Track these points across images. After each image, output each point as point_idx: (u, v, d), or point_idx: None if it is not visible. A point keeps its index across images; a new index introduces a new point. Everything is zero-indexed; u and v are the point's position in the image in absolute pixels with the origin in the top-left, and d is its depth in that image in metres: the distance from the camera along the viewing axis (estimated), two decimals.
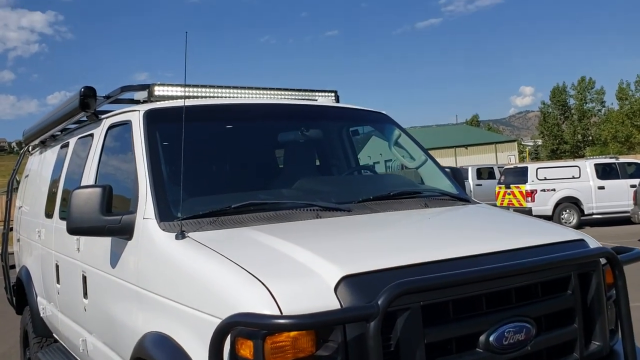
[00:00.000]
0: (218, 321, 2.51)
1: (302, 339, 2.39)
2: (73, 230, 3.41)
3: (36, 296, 6.06)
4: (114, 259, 3.64)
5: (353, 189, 4.06)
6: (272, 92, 4.67)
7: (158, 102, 4.25)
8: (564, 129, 78.41)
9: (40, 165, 6.53)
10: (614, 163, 20.80)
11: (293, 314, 2.30)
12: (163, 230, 3.18)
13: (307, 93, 4.88)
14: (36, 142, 6.86)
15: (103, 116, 4.60)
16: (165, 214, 3.27)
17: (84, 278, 4.23)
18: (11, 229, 7.60)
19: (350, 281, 2.48)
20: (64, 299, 4.94)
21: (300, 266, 2.60)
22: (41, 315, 5.88)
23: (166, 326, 2.96)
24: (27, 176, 7.37)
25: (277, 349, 2.36)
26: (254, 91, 4.59)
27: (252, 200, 3.41)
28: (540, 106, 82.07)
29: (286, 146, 4.49)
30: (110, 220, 3.38)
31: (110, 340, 3.76)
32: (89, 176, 4.41)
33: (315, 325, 2.29)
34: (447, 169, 4.44)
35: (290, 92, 4.77)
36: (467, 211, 3.87)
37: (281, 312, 2.36)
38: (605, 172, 20.35)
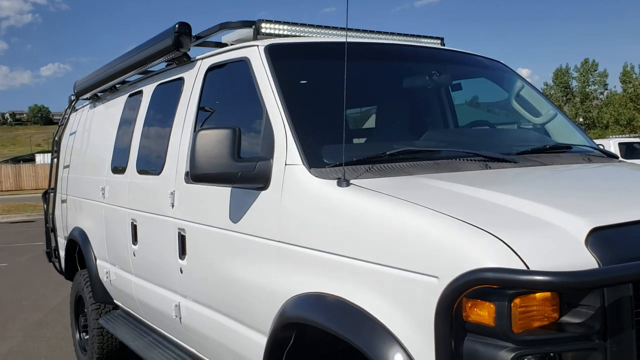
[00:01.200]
0: (426, 279, 2.12)
1: (546, 302, 1.97)
2: (199, 177, 2.96)
3: (95, 259, 5.63)
4: (237, 213, 3.19)
5: (498, 141, 3.62)
6: (383, 35, 4.20)
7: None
8: (566, 111, 78.02)
9: (98, 120, 6.03)
10: (638, 142, 20.51)
11: (552, 271, 1.87)
12: (317, 177, 2.73)
13: (415, 38, 4.43)
14: (87, 95, 6.36)
15: (197, 57, 4.11)
16: (314, 160, 2.82)
17: (181, 237, 3.79)
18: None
19: (600, 235, 2.05)
20: (143, 262, 4.50)
21: (526, 217, 2.16)
22: (103, 280, 5.46)
23: (331, 286, 2.52)
24: (73, 133, 6.87)
25: (524, 312, 1.94)
26: (366, 34, 4.13)
27: (408, 147, 2.96)
28: (543, 87, 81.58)
29: (416, 91, 4.03)
30: (244, 166, 2.93)
31: (226, 305, 3.34)
32: (184, 123, 3.93)
33: (595, 284, 1.86)
34: None
35: (399, 37, 4.31)
36: (620, 169, 3.44)
37: (528, 269, 1.93)
38: (629, 151, 20.04)
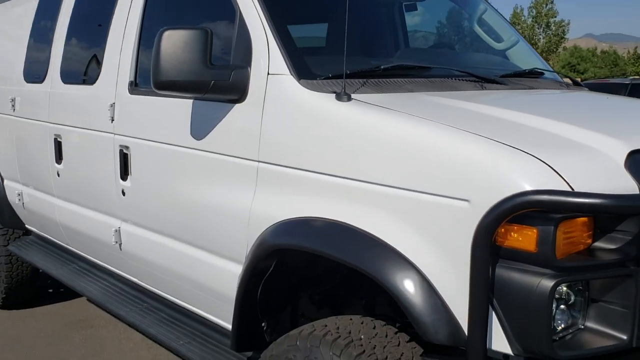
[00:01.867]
0: (453, 202, 1.95)
1: (584, 228, 1.86)
2: (164, 84, 2.57)
3: (2, 180, 5.02)
4: (202, 129, 2.84)
5: (473, 63, 3.46)
6: None
7: None
8: None
9: (2, 19, 5.24)
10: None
11: (606, 193, 1.75)
12: (310, 90, 2.44)
13: None
14: None
15: None
16: (303, 70, 2.52)
17: (124, 155, 3.38)
18: None
19: (638, 158, 1.95)
20: (70, 183, 4.02)
21: (561, 139, 2.03)
22: (13, 203, 4.89)
23: (329, 210, 2.30)
24: None
25: (567, 238, 1.82)
26: None
27: (403, 62, 2.74)
28: None
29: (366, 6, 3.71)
30: (217, 74, 2.57)
31: (187, 232, 3.02)
32: (127, 25, 3.43)
33: None
34: None
35: None
36: (609, 96, 3.42)
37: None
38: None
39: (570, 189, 1.79)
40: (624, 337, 1.86)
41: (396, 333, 2.33)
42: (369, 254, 2.12)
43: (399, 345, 2.27)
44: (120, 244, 3.55)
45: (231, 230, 2.72)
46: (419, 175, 2.05)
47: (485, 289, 1.79)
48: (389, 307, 2.84)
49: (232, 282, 2.76)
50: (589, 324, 1.90)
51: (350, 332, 2.30)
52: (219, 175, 2.79)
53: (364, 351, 2.19)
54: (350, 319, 2.42)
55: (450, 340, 1.95)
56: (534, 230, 1.79)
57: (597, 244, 1.89)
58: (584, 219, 1.84)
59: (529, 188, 1.77)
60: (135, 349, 4.62)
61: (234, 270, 2.74)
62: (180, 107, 2.94)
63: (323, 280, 2.89)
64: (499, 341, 1.87)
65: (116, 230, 3.55)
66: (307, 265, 2.69)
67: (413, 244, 2.05)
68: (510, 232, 1.82)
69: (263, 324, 2.78)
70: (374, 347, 2.22)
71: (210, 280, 2.91)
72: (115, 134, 3.45)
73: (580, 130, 2.06)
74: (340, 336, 2.27)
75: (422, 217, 2.03)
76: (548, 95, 2.96)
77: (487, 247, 1.79)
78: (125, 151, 3.37)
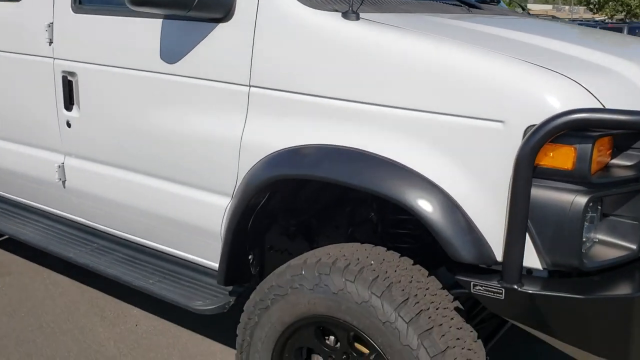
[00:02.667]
0: (486, 124, 1.96)
1: (608, 145, 1.94)
2: (143, 1, 2.32)
3: None
4: (175, 51, 2.61)
5: None
6: None
7: None
8: None
9: None
10: None
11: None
12: (310, 7, 2.30)
13: None
14: None
15: None
16: None
17: (68, 82, 3.05)
18: None
19: None
20: None
21: (581, 61, 2.07)
22: None
23: (339, 136, 2.22)
24: None
25: (599, 155, 1.89)
26: None
27: None
28: None
29: None
30: None
31: (157, 165, 2.81)
32: None
33: None
34: None
35: None
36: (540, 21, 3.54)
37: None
38: None
39: (603, 108, 1.85)
40: (634, 247, 1.99)
41: (400, 257, 2.35)
42: (394, 179, 2.09)
43: (407, 268, 2.29)
44: (63, 181, 3.25)
45: (217, 162, 2.56)
46: (444, 97, 2.02)
47: (526, 208, 1.83)
48: (374, 234, 2.86)
49: (217, 217, 2.63)
50: (602, 237, 2.01)
51: (359, 259, 2.29)
52: (199, 102, 2.60)
53: (378, 276, 2.19)
54: (353, 247, 2.40)
55: (481, 259, 1.99)
56: (573, 149, 1.84)
57: (615, 161, 1.98)
58: (609, 137, 1.91)
59: (567, 107, 1.81)
60: (65, 294, 4.32)
61: (220, 204, 2.61)
62: (146, 28, 2.68)
63: (299, 212, 2.84)
64: (528, 257, 1.93)
65: (59, 166, 3.24)
66: (288, 197, 2.62)
67: (438, 168, 2.04)
68: (548, 151, 1.86)
69: (250, 257, 2.70)
70: (386, 272, 2.23)
71: (189, 216, 2.75)
72: (55, 58, 3.09)
73: (596, 53, 2.12)
74: (350, 263, 2.25)
75: (448, 140, 2.02)
76: (529, 20, 3.01)
77: (532, 167, 1.81)
78: (70, 78, 3.05)
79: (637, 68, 2.07)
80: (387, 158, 2.11)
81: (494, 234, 1.98)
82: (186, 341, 3.58)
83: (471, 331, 2.21)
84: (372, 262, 2.28)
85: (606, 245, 2.01)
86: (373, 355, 2.25)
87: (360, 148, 2.17)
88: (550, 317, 1.92)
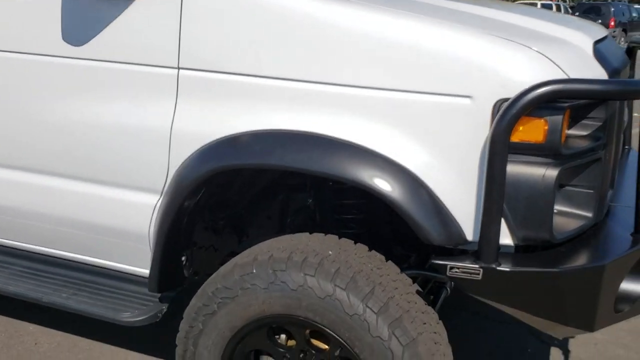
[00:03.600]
0: (451, 100, 1.87)
1: (567, 116, 1.93)
2: None
3: None
4: (83, 31, 2.27)
5: None
6: None
7: None
8: None
9: None
10: None
11: (609, 79, 1.82)
12: None
13: None
14: None
15: None
16: None
17: None
18: None
19: (597, 49, 2.07)
20: None
21: (536, 33, 2.04)
22: None
23: (284, 120, 2.04)
24: None
25: (566, 126, 1.87)
26: None
27: None
28: None
29: None
30: None
31: (58, 162, 2.45)
32: None
33: (636, 94, 1.83)
34: None
35: None
36: None
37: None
38: None
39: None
40: (590, 215, 2.02)
41: (355, 243, 2.24)
42: (360, 164, 1.95)
43: (365, 256, 2.18)
44: None
45: (143, 156, 2.28)
46: (404, 73, 1.91)
47: (502, 186, 1.77)
48: (312, 222, 2.71)
49: (144, 218, 2.36)
50: (560, 208, 2.02)
51: (315, 250, 2.14)
52: (118, 88, 2.28)
53: (340, 267, 2.06)
54: (304, 237, 2.25)
55: (452, 241, 1.92)
56: (543, 121, 1.80)
57: (571, 131, 1.99)
58: (569, 108, 1.90)
59: (536, 79, 1.77)
60: None
61: (147, 203, 2.34)
62: (39, 6, 2.31)
63: (228, 204, 2.63)
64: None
65: None
66: (218, 189, 2.41)
67: (401, 148, 1.93)
68: (518, 125, 1.81)
69: (183, 258, 2.45)
70: (347, 261, 2.10)
71: (109, 218, 2.43)
72: None
73: (548, 25, 2.11)
74: (307, 256, 2.10)
75: (411, 119, 1.92)
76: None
77: (507, 143, 1.75)
78: None
79: (585, 37, 2.08)
80: (348, 141, 1.97)
81: (463, 214, 1.91)
82: (99, 355, 3.24)
83: (433, 313, 2.15)
84: (330, 252, 2.14)
85: (566, 215, 2.02)
86: (338, 351, 2.12)
87: (315, 131, 2.01)
88: (527, 294, 1.89)
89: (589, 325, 1.96)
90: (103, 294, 2.55)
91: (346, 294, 2.01)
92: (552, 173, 1.82)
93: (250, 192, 2.63)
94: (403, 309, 2.02)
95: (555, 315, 1.93)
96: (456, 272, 1.87)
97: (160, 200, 2.30)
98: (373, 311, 1.99)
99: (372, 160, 1.94)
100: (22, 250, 2.78)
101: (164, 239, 2.28)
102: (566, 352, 3.40)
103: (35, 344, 3.34)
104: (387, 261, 2.18)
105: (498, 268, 1.83)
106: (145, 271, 2.47)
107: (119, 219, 2.41)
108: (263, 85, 2.08)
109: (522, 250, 2.00)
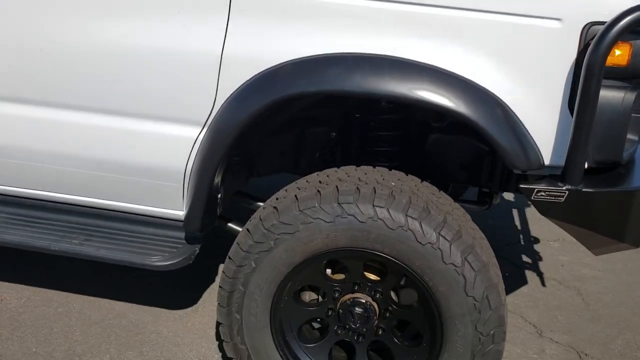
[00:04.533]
0: (539, 22, 1.88)
1: None
2: None
3: None
4: None
5: None
6: None
7: None
8: None
9: None
10: None
11: None
12: None
13: None
14: None
15: None
16: None
17: None
18: None
19: None
20: None
21: None
22: None
23: (362, 43, 1.93)
24: None
25: None
26: None
27: None
28: None
29: None
30: None
31: (82, 93, 2.18)
32: None
33: None
34: None
35: None
36: None
37: None
38: None
39: None
40: (637, 139, 2.12)
41: (407, 175, 2.21)
42: (441, 88, 1.90)
43: (424, 186, 2.17)
44: None
45: (185, 83, 2.08)
46: None
47: (594, 109, 1.81)
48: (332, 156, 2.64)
49: (182, 153, 2.18)
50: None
51: (379, 182, 2.09)
52: (150, 4, 2.04)
53: (410, 197, 2.02)
54: (352, 170, 2.19)
55: (532, 165, 1.95)
56: (629, 45, 1.84)
57: None
58: None
59: (625, 4, 1.79)
60: None
61: (187, 136, 2.16)
62: None
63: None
64: None
65: None
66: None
67: (487, 72, 1.91)
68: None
69: (219, 195, 2.30)
70: (414, 191, 2.07)
71: (138, 155, 2.22)
72: None
73: None
74: (375, 187, 2.04)
75: (497, 41, 1.90)
76: None
77: (603, 67, 1.78)
78: None
79: None
80: (430, 65, 1.91)
81: (543, 137, 1.94)
82: (81, 307, 3.01)
83: (486, 240, 2.20)
84: (393, 183, 2.10)
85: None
86: (403, 280, 2.12)
87: (393, 55, 1.92)
88: (598, 213, 1.98)
89: (638, 240, 2.09)
90: (121, 239, 2.34)
91: (419, 224, 1.99)
92: (630, 96, 1.89)
93: (267, 127, 2.50)
94: (472, 236, 2.04)
95: (616, 233, 2.04)
96: (542, 195, 1.91)
97: (203, 134, 2.13)
98: (447, 239, 1.99)
99: (457, 85, 1.90)
100: (22, 197, 2.46)
101: (208, 176, 2.12)
102: (540, 274, 3.64)
103: (1, 300, 3.04)
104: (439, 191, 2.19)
105: (583, 190, 1.89)
106: (175, 212, 2.30)
107: (149, 155, 2.21)
108: (330, 3, 1.95)
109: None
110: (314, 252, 2.09)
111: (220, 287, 2.22)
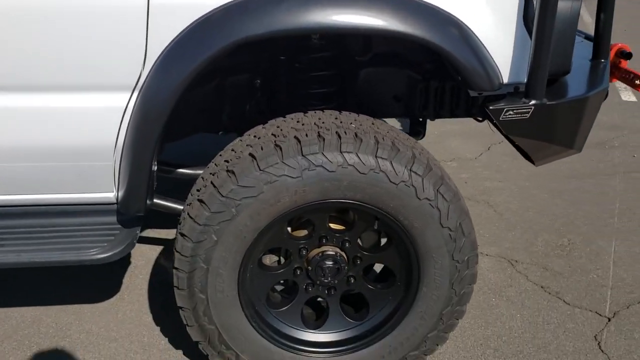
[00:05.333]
0: None
1: None
2: None
3: None
4: None
5: None
6: None
7: None
8: None
9: None
10: None
11: None
12: None
13: None
14: None
15: None
16: None
17: None
18: None
19: None
20: None
21: None
22: None
23: None
24: None
25: None
26: None
27: None
28: None
29: None
30: None
31: None
32: None
33: None
34: None
35: None
36: None
37: None
38: None
39: None
40: None
41: (358, 114, 2.10)
42: (403, 15, 1.77)
43: (376, 123, 2.06)
44: None
45: (104, 43, 1.74)
46: None
47: (553, 22, 1.78)
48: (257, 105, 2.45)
49: (109, 125, 1.87)
50: None
51: (338, 126, 1.95)
52: None
53: (376, 137, 1.91)
54: (301, 117, 2.03)
55: (493, 85, 1.92)
56: None
57: None
58: None
59: None
60: None
61: (113, 106, 1.85)
62: None
63: None
64: (522, 73, 1.94)
65: None
66: None
67: None
68: None
69: (154, 168, 2.02)
70: (376, 131, 1.96)
71: (57, 136, 1.86)
72: None
73: None
74: (338, 132, 1.90)
75: None
76: None
77: None
78: None
79: None
80: None
81: (503, 56, 1.91)
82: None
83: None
84: (353, 124, 1.97)
85: None
86: (376, 223, 2.03)
87: None
88: (557, 124, 2.00)
89: (581, 145, 2.17)
90: (44, 238, 2.00)
91: (390, 164, 1.89)
92: (577, 5, 1.90)
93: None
94: (438, 166, 1.99)
95: (568, 141, 2.09)
96: (510, 114, 1.89)
97: (134, 101, 1.82)
98: (418, 174, 1.92)
99: (418, 10, 1.78)
100: None
101: (148, 148, 1.84)
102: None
103: None
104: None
105: (547, 103, 1.89)
106: (105, 195, 2.00)
107: (69, 134, 1.86)
108: None
109: None
110: (280, 212, 1.92)
111: (176, 268, 1.98)
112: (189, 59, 1.75)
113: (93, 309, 2.69)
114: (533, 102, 1.90)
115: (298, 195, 1.89)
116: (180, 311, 2.06)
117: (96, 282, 2.85)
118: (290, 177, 1.86)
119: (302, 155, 1.86)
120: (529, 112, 1.90)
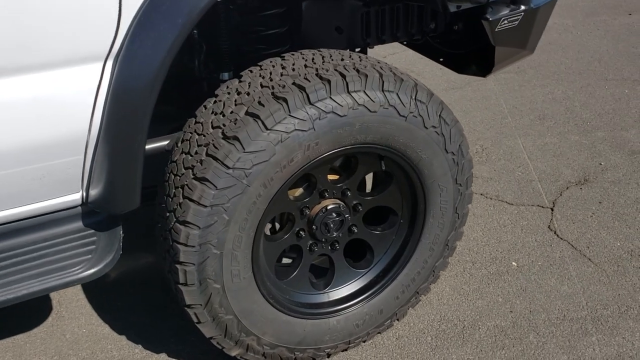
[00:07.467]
0: None
1: None
2: None
3: None
4: None
5: None
6: None
7: None
8: None
9: None
10: None
11: None
12: None
13: None
14: None
15: None
16: None
17: None
18: None
19: None
20: None
21: None
22: None
23: None
24: None
25: None
26: None
27: None
28: None
29: None
30: None
31: None
32: None
33: None
34: None
35: None
36: None
37: None
38: None
39: None
40: None
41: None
42: None
43: (360, 55, 1.90)
44: None
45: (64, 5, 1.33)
46: None
47: None
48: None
49: (77, 110, 1.49)
50: None
51: (337, 64, 1.76)
52: None
53: (376, 70, 1.76)
54: (290, 59, 1.80)
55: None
56: None
57: None
58: None
59: None
60: None
61: (82, 87, 1.45)
62: None
63: None
64: None
65: None
66: None
67: None
68: None
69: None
70: (372, 64, 1.81)
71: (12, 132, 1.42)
72: None
73: None
74: (338, 72, 1.71)
75: None
76: None
77: None
78: None
79: None
80: None
81: None
82: None
83: None
84: (346, 61, 1.79)
85: None
86: (382, 163, 1.90)
87: None
88: (531, 28, 2.00)
89: (534, 46, 2.22)
90: (16, 262, 1.57)
91: (397, 96, 1.76)
92: None
93: None
94: (431, 90, 1.90)
95: (532, 44, 2.12)
96: (505, 24, 1.84)
97: (109, 74, 1.45)
98: (423, 102, 1.82)
99: None
100: None
101: (139, 129, 1.50)
102: None
103: None
104: None
105: (535, 7, 1.88)
106: (72, 197, 1.62)
107: (21, 130, 1.43)
108: None
109: None
110: (293, 172, 1.71)
111: (182, 263, 1.69)
112: (175, 20, 1.42)
113: (29, 338, 2.24)
114: (523, 7, 1.87)
115: (311, 150, 1.69)
116: (190, 310, 1.78)
117: (20, 305, 2.37)
118: (301, 130, 1.65)
119: (310, 103, 1.65)
120: (519, 19, 1.88)
